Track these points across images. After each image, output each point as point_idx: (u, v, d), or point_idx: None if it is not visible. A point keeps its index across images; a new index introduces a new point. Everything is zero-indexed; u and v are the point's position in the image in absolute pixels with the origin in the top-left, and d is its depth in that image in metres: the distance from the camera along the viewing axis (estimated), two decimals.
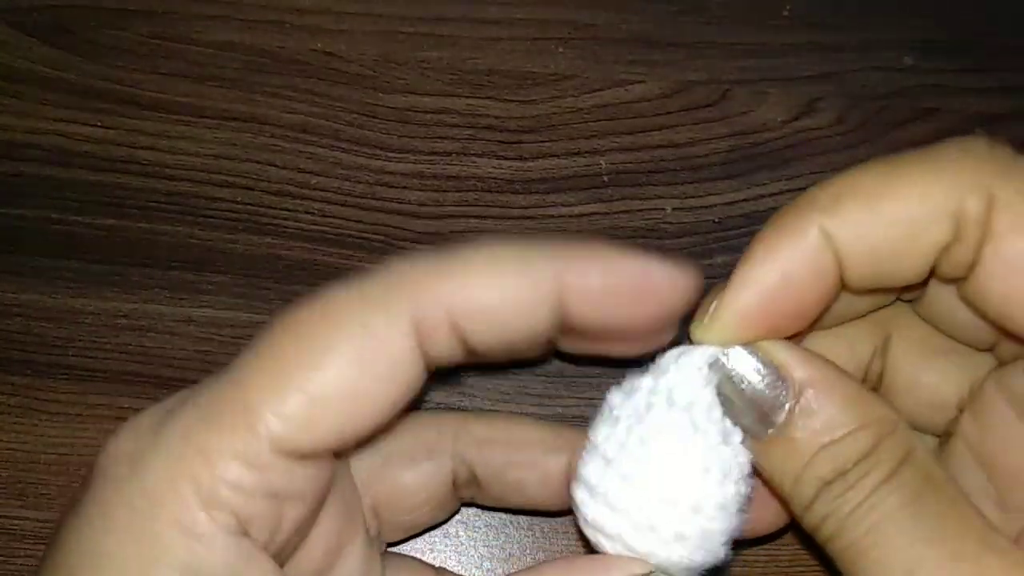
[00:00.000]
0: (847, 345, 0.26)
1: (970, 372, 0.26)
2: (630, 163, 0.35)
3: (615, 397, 0.24)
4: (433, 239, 0.34)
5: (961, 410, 0.26)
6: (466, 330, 0.21)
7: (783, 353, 0.22)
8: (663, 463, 0.22)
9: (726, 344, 0.23)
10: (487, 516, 0.32)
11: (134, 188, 0.35)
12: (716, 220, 0.35)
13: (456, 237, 0.34)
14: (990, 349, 0.25)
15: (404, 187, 0.35)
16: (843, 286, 0.23)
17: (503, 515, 0.32)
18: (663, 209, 0.35)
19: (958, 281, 0.23)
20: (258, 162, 0.35)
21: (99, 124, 0.35)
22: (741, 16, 0.37)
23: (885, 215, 0.21)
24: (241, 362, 0.22)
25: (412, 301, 0.21)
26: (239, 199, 0.35)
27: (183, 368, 0.33)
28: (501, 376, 0.33)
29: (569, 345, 0.24)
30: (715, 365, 0.22)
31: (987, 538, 0.21)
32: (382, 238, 0.34)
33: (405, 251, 0.34)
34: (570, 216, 0.35)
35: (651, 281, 0.22)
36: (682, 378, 0.23)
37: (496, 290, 0.21)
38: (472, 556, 0.31)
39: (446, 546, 0.31)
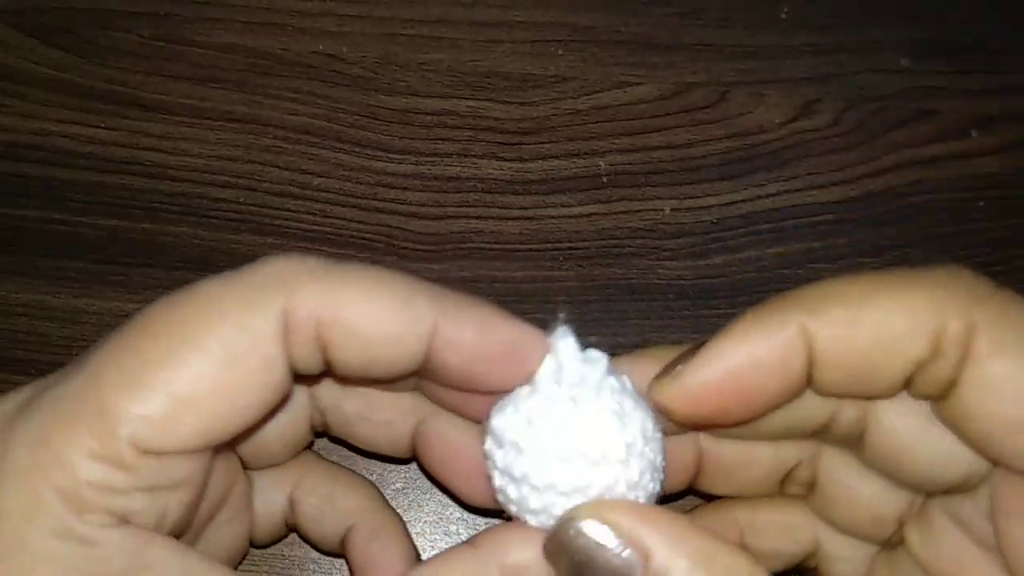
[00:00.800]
0: (772, 449, 0.26)
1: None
2: (629, 164, 0.36)
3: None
4: (433, 239, 0.35)
5: (902, 524, 0.25)
6: (331, 344, 0.21)
7: (628, 520, 0.21)
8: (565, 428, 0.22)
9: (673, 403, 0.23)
10: (491, 518, 0.31)
11: (137, 189, 0.35)
12: (714, 221, 0.35)
13: (456, 237, 0.35)
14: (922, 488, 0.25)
15: (405, 188, 0.35)
16: (809, 386, 0.23)
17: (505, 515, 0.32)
18: (662, 210, 0.35)
19: (934, 399, 0.23)
20: (260, 163, 0.35)
21: (102, 125, 0.35)
22: (739, 19, 0.37)
23: (866, 323, 0.22)
24: (98, 357, 0.20)
25: (285, 299, 0.21)
26: (242, 200, 0.35)
27: None
28: None
29: (423, 390, 0.24)
30: (567, 537, 0.22)
31: None
32: (383, 238, 0.35)
33: (406, 251, 0.34)
34: (569, 216, 0.35)
35: (519, 348, 0.22)
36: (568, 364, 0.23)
37: (371, 314, 0.21)
38: None
39: (447, 544, 0.31)
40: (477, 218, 0.35)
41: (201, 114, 0.36)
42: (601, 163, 0.36)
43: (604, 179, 0.35)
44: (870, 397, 0.24)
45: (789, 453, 0.26)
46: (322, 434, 0.29)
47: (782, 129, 0.36)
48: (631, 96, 0.36)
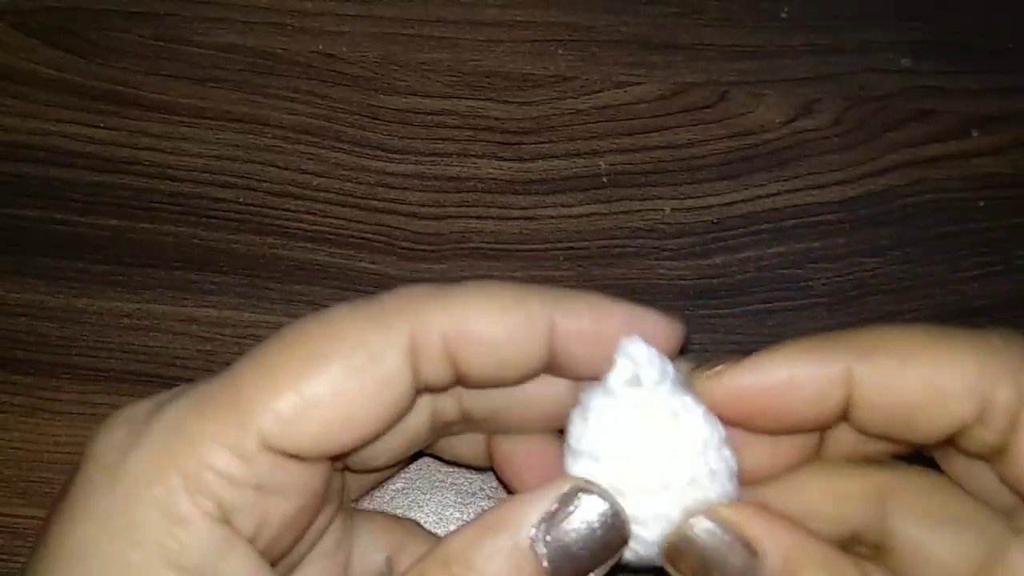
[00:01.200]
0: (839, 509, 0.25)
1: (985, 539, 0.24)
2: (629, 164, 0.36)
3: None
4: (433, 239, 0.35)
5: None
6: (460, 356, 0.23)
7: (755, 522, 0.22)
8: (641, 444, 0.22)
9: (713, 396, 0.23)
10: None
11: (137, 189, 0.35)
12: (714, 221, 0.35)
13: (456, 237, 0.34)
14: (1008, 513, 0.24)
15: (405, 188, 0.35)
16: (847, 422, 0.23)
17: None
18: (662, 210, 0.35)
19: (981, 458, 0.23)
20: (260, 163, 0.35)
21: (102, 125, 0.35)
22: (739, 18, 0.37)
23: (912, 376, 0.22)
24: (239, 364, 0.22)
25: (411, 322, 0.22)
26: (241, 200, 0.35)
27: (186, 367, 0.33)
28: None
29: (553, 374, 0.25)
30: (691, 537, 0.22)
31: None
32: (383, 238, 0.35)
33: (406, 251, 0.34)
34: (569, 217, 0.35)
35: (636, 327, 0.23)
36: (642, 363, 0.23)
37: (494, 322, 0.23)
38: None
39: None
40: (477, 218, 0.35)
41: (201, 114, 0.36)
42: (601, 163, 0.36)
43: (604, 179, 0.35)
44: (909, 445, 0.24)
45: (857, 510, 0.25)
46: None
47: (782, 129, 0.36)
48: (631, 96, 0.36)
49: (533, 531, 0.22)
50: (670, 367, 0.23)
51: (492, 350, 0.23)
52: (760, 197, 0.35)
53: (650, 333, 0.23)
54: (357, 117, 0.36)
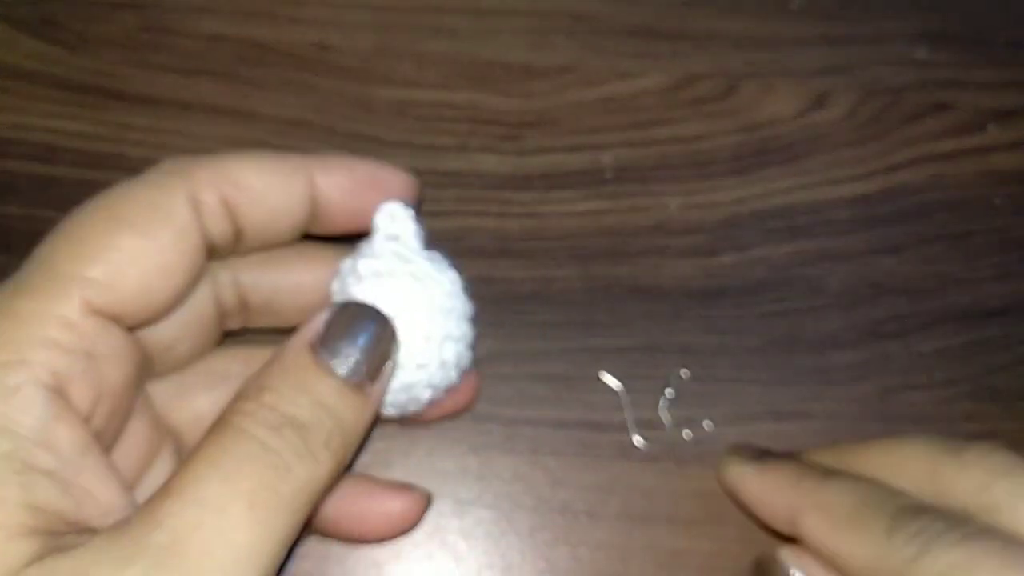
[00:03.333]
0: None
1: None
2: (634, 158, 0.35)
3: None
4: (431, 236, 0.34)
5: None
6: (235, 208, 0.26)
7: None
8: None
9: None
10: (486, 525, 0.31)
11: None
12: (723, 218, 0.35)
13: (454, 234, 0.34)
14: None
15: None
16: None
17: (503, 524, 0.31)
18: (668, 206, 0.35)
19: None
20: None
21: (87, 119, 0.35)
22: (749, 7, 0.37)
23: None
24: (44, 246, 0.24)
25: (189, 182, 0.25)
26: None
27: None
28: (500, 381, 0.32)
29: (316, 229, 0.28)
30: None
31: None
32: None
33: None
34: (572, 213, 0.34)
35: (378, 178, 0.28)
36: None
37: (261, 172, 0.26)
38: (471, 565, 0.31)
39: (444, 555, 0.31)
40: (476, 215, 0.34)
41: (188, 107, 0.35)
42: (605, 157, 0.35)
43: (608, 174, 0.35)
44: None
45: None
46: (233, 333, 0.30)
47: (794, 122, 0.36)
48: (636, 87, 0.36)
49: (311, 346, 0.24)
50: (419, 227, 0.28)
51: (262, 198, 0.26)
52: (771, 193, 0.35)
53: (395, 188, 0.28)
54: (350, 110, 0.35)
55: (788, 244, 0.34)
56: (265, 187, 0.26)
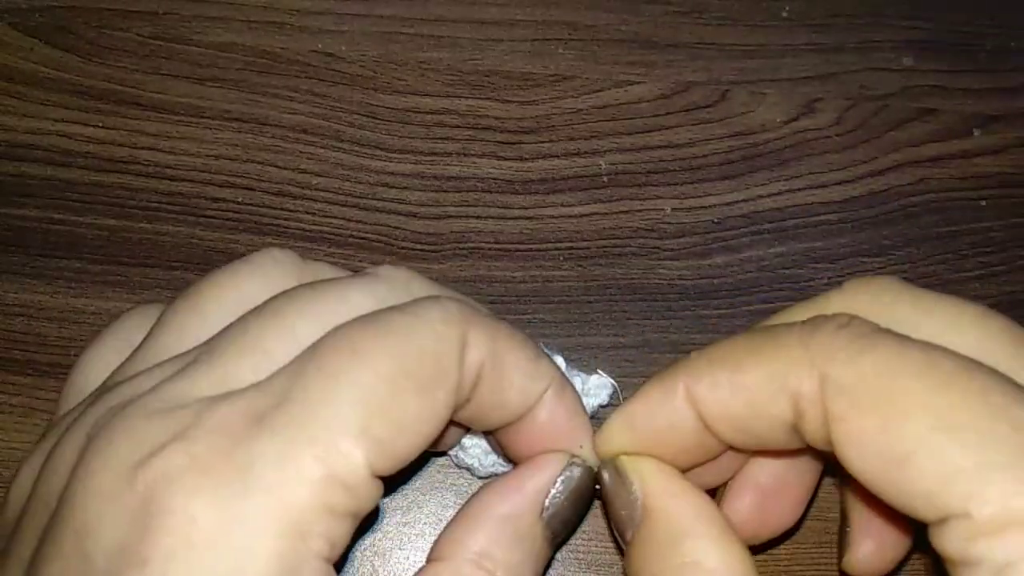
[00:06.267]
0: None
1: None
2: (629, 164, 0.35)
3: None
4: (433, 239, 0.34)
5: None
6: (482, 385, 0.23)
7: (638, 472, 0.24)
8: None
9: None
10: None
11: (135, 188, 0.35)
12: (715, 220, 0.35)
13: (456, 237, 0.34)
14: None
15: (404, 187, 0.35)
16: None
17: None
18: (662, 209, 0.35)
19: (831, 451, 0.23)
20: (259, 162, 0.35)
21: (100, 125, 0.35)
22: (740, 17, 0.37)
23: (736, 387, 0.23)
24: (319, 381, 0.21)
25: (463, 337, 0.22)
26: (240, 199, 0.35)
27: None
28: None
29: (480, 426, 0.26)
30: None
31: None
32: (383, 238, 0.34)
33: (405, 251, 0.34)
34: (569, 216, 0.35)
35: (559, 442, 0.25)
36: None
37: (521, 366, 0.24)
38: None
39: None
40: (477, 218, 0.35)
41: (200, 113, 0.35)
42: (602, 162, 0.35)
43: (605, 179, 0.35)
44: (772, 452, 0.25)
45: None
46: None
47: (784, 128, 0.36)
48: (632, 95, 0.36)
49: (542, 510, 0.24)
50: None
51: (506, 392, 0.24)
52: (761, 197, 0.35)
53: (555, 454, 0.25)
54: (356, 116, 0.36)
55: (778, 246, 0.35)
56: (516, 380, 0.24)
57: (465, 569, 0.22)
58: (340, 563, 0.21)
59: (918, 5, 0.38)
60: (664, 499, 0.24)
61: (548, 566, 0.25)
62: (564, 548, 0.31)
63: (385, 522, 0.31)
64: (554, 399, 0.25)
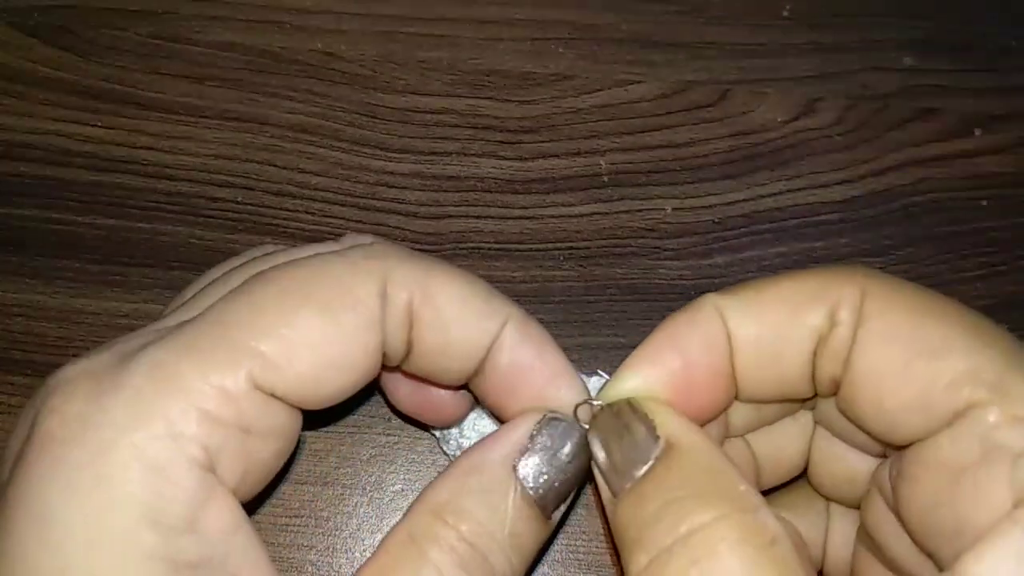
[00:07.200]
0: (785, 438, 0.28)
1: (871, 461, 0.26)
2: (630, 163, 0.35)
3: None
4: (433, 239, 0.34)
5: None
6: (418, 322, 0.23)
7: (659, 412, 0.23)
8: None
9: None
10: None
11: (134, 188, 0.35)
12: (716, 220, 0.35)
13: (456, 237, 0.34)
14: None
15: (404, 187, 0.35)
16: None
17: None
18: (663, 209, 0.35)
19: (836, 385, 0.23)
20: (258, 162, 0.35)
21: (99, 124, 0.35)
22: (741, 16, 0.37)
23: (768, 296, 0.23)
24: (222, 305, 0.22)
25: (386, 274, 0.23)
26: (239, 199, 0.35)
27: None
28: None
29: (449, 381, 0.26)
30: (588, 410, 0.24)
31: None
32: (383, 238, 0.34)
33: None
34: (570, 216, 0.35)
35: (556, 379, 0.25)
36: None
37: (459, 299, 0.23)
38: None
39: None
40: (477, 218, 0.35)
41: (199, 112, 0.35)
42: (602, 162, 0.35)
43: (605, 178, 0.35)
44: (786, 395, 0.25)
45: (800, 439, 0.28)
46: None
47: (784, 128, 0.36)
48: (632, 94, 0.36)
49: (513, 464, 0.23)
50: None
51: (449, 327, 0.23)
52: (762, 196, 0.35)
53: (559, 396, 0.24)
54: (356, 116, 0.36)
55: (778, 245, 0.35)
56: (456, 316, 0.23)
57: (423, 519, 0.22)
58: (258, 502, 0.22)
59: (919, 4, 0.38)
60: (692, 434, 0.23)
61: (548, 546, 0.25)
62: (564, 548, 0.31)
63: (386, 522, 0.31)
64: (515, 337, 0.24)
